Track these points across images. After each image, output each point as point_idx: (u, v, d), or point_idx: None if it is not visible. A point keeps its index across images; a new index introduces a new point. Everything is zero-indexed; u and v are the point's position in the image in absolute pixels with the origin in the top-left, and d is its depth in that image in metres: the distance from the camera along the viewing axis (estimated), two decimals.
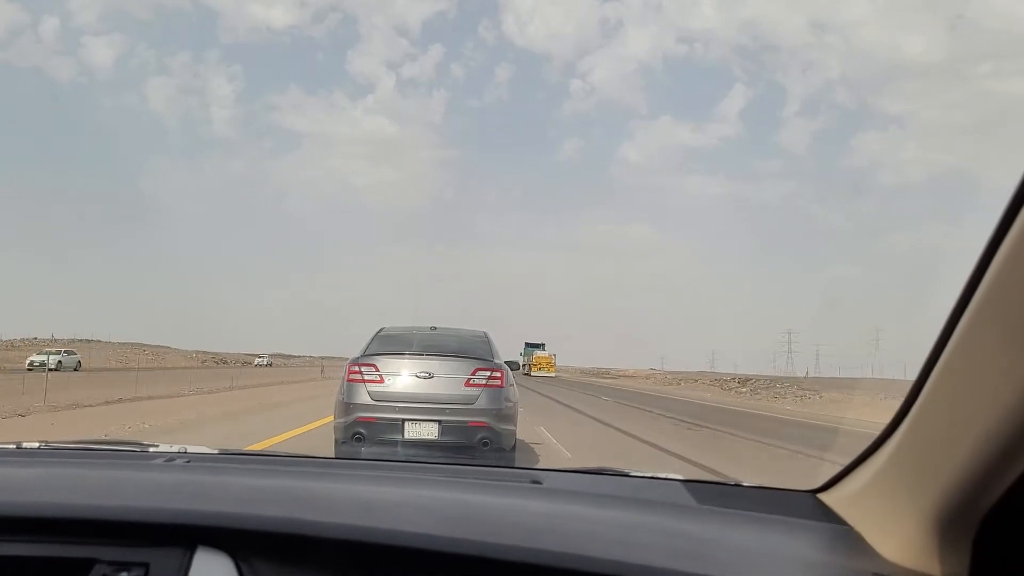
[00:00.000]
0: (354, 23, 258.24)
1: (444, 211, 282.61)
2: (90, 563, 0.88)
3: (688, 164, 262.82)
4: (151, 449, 1.68)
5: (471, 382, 7.13)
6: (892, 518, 1.04)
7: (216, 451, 1.79)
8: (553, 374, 78.72)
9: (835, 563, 1.06)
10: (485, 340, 8.07)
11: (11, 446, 1.66)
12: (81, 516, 0.94)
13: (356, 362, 7.23)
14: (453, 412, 6.96)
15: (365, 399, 6.99)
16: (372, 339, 7.81)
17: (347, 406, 7.03)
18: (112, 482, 1.17)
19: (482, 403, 7.07)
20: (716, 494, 1.43)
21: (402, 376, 7.09)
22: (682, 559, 0.95)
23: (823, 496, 1.31)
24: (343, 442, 6.81)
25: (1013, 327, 0.75)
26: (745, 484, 1.55)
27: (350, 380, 7.14)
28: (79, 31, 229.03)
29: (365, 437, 6.73)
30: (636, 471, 1.63)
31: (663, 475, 1.58)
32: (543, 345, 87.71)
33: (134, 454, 1.63)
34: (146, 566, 0.88)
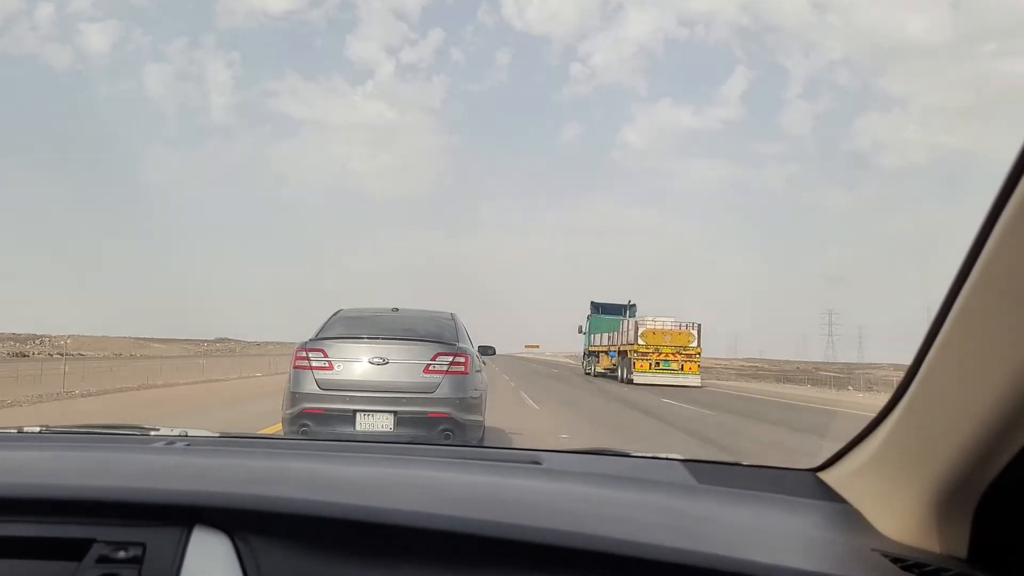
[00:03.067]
0: (352, 7, 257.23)
1: (444, 196, 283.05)
2: (88, 543, 0.88)
3: (690, 147, 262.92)
4: (152, 433, 1.68)
5: (431, 368, 6.52)
6: (891, 495, 1.04)
7: (217, 435, 1.79)
8: (697, 381, 29.02)
9: (835, 540, 1.06)
10: (451, 322, 7.49)
11: (12, 430, 1.67)
12: (79, 497, 0.94)
13: (304, 347, 6.64)
14: (410, 402, 6.41)
15: (312, 388, 6.43)
16: (326, 322, 7.28)
17: (293, 396, 6.47)
18: (111, 464, 1.18)
19: (443, 392, 6.48)
20: (716, 473, 1.43)
21: (354, 362, 6.50)
22: (683, 537, 0.95)
23: (822, 475, 1.31)
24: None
25: (1010, 304, 0.75)
26: (744, 464, 1.55)
27: (296, 367, 6.56)
28: (74, 17, 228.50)
29: (312, 430, 6.24)
30: (636, 451, 1.63)
31: (663, 455, 1.58)
32: (632, 307, 34.72)
33: (135, 437, 1.64)
34: (143, 545, 0.88)
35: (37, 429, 1.67)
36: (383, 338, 6.73)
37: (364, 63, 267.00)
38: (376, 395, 6.42)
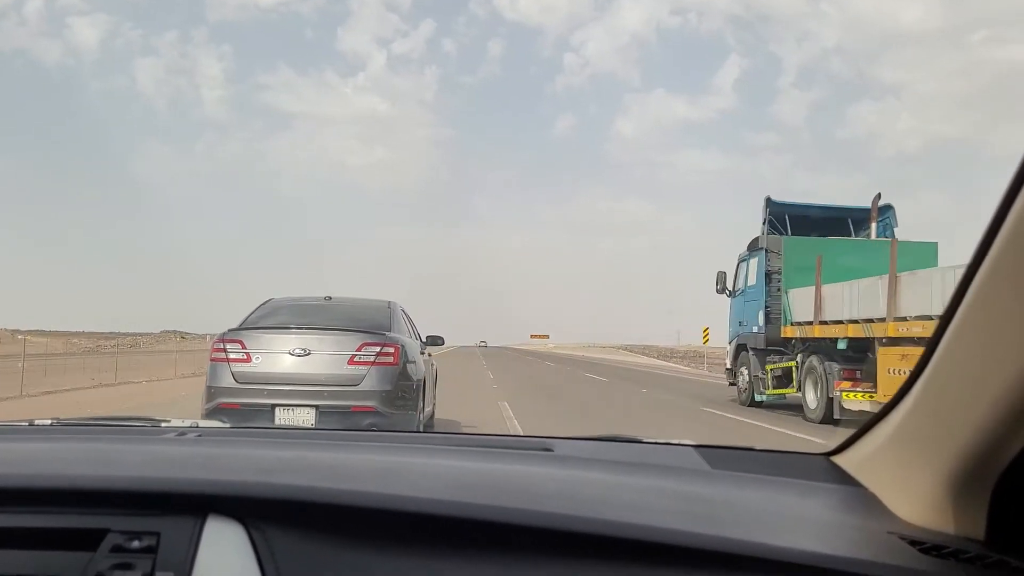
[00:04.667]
0: None
1: (437, 189, 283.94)
2: (102, 533, 0.88)
3: (684, 138, 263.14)
4: (163, 424, 1.69)
5: (356, 359, 6.26)
6: (907, 478, 1.04)
7: (228, 425, 1.80)
8: None
9: (850, 524, 1.06)
10: (386, 311, 7.26)
11: (24, 423, 1.68)
12: (93, 487, 0.94)
13: (221, 338, 6.40)
14: (333, 395, 6.14)
15: (228, 382, 6.19)
16: (252, 311, 7.00)
17: (209, 390, 6.28)
18: (124, 454, 1.18)
19: (369, 384, 6.21)
20: (729, 458, 1.42)
21: (273, 354, 6.24)
22: (697, 522, 0.95)
23: (837, 458, 1.30)
24: None
25: None
26: (758, 448, 1.55)
27: (213, 360, 6.36)
28: (64, 11, 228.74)
29: None
30: (648, 437, 1.62)
31: (675, 441, 1.57)
32: (886, 212, 13.31)
33: (146, 429, 1.64)
34: (157, 535, 0.87)
35: (48, 422, 1.67)
36: (306, 328, 6.51)
37: (356, 55, 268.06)
38: (296, 388, 6.17)
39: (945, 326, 0.90)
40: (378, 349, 6.34)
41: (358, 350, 6.31)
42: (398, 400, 6.37)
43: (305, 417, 6.07)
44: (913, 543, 0.92)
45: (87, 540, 0.88)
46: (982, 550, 0.89)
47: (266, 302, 7.28)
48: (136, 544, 0.87)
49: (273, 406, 6.07)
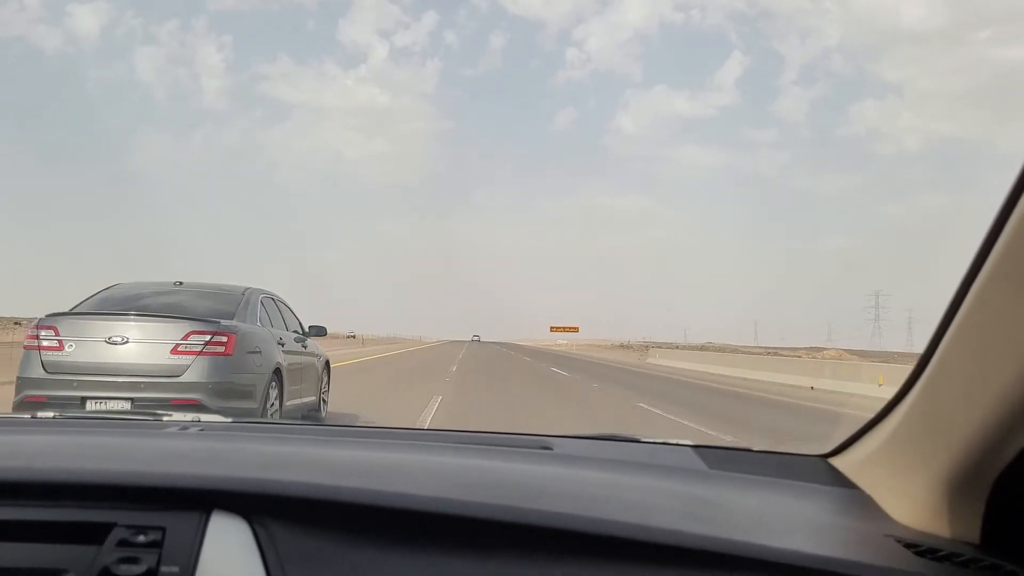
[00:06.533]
0: None
1: (437, 181, 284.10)
2: (108, 527, 0.89)
3: (685, 134, 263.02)
4: (165, 418, 1.70)
5: (180, 349, 5.81)
6: (903, 481, 1.05)
7: (229, 420, 1.81)
8: None
9: (846, 526, 1.07)
10: (237, 299, 6.71)
11: (27, 416, 1.69)
12: (99, 481, 0.95)
13: (36, 325, 5.98)
14: (150, 387, 5.72)
15: (38, 372, 5.77)
16: (88, 296, 6.56)
17: (17, 382, 5.87)
18: (129, 449, 1.19)
19: (193, 375, 5.78)
20: (727, 459, 1.44)
21: (88, 342, 5.80)
22: (694, 522, 0.95)
23: (834, 460, 1.31)
24: None
25: None
26: (755, 449, 1.56)
27: (26, 348, 5.93)
28: None
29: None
30: (647, 437, 1.63)
31: (674, 440, 1.58)
32: None
33: (148, 423, 1.65)
34: (163, 530, 0.88)
35: (51, 415, 1.68)
36: (130, 314, 6.01)
37: (357, 47, 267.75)
38: (109, 379, 5.75)
39: (943, 330, 0.91)
40: (207, 338, 5.92)
41: (184, 339, 5.88)
42: (229, 393, 5.97)
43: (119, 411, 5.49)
44: (908, 546, 0.93)
45: (93, 534, 0.89)
46: (977, 553, 0.90)
47: (109, 287, 6.83)
48: (142, 538, 0.88)
49: (83, 399, 5.68)
